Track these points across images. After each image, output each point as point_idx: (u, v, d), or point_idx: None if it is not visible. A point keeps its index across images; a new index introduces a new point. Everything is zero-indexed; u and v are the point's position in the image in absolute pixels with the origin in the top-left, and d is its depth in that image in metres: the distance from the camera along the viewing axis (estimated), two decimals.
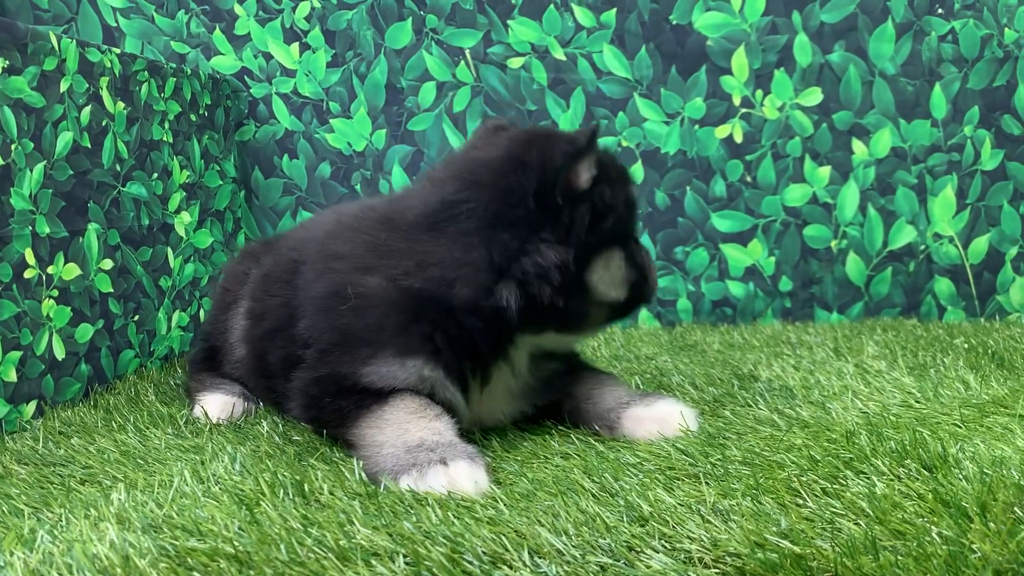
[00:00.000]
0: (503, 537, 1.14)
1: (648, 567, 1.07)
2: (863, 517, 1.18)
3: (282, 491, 1.35)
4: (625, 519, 1.21)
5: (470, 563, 1.10)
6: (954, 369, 2.09)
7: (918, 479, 1.30)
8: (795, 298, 2.98)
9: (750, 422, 1.70)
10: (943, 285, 2.95)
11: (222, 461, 1.54)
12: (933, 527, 1.11)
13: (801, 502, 1.25)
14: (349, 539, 1.16)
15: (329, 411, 1.57)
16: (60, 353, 2.02)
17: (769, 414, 1.76)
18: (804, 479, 1.33)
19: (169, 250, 2.46)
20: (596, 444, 1.59)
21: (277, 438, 1.70)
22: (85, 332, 2.11)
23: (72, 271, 2.07)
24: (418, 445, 1.41)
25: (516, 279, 1.52)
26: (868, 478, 1.31)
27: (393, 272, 1.54)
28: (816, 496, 1.27)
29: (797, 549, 1.09)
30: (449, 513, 1.23)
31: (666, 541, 1.14)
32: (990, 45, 2.87)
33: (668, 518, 1.19)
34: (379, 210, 1.68)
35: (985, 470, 1.29)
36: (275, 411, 1.91)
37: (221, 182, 2.77)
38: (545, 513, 1.23)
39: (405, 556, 1.11)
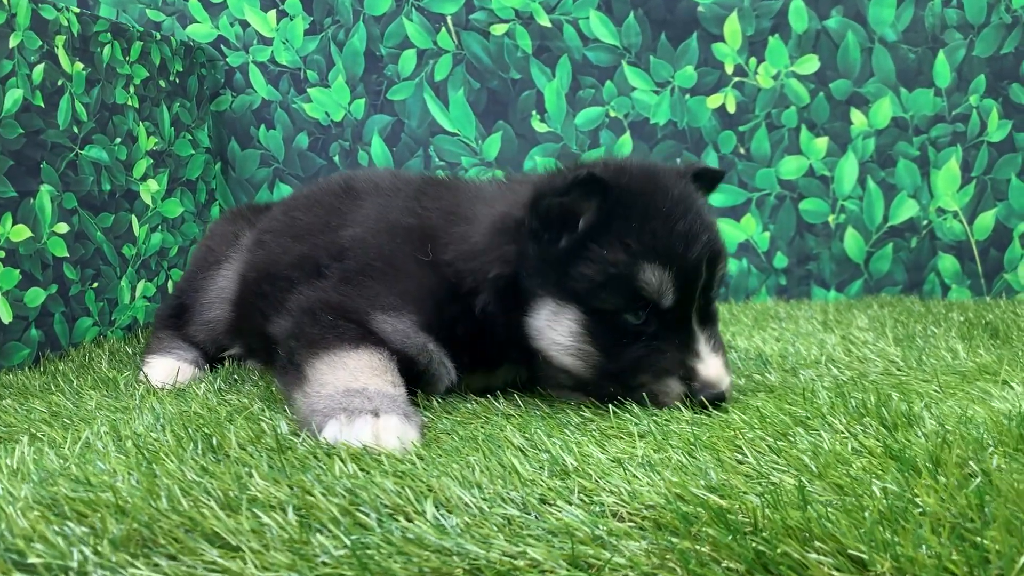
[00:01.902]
0: (408, 489, 1.05)
1: (557, 519, 0.97)
2: (805, 473, 1.07)
3: (192, 446, 1.27)
4: (546, 472, 1.11)
5: (365, 514, 1.00)
6: (944, 340, 1.96)
7: (874, 437, 1.18)
8: (790, 275, 2.86)
9: None
10: (947, 262, 2.81)
11: (145, 420, 1.46)
12: (877, 481, 1.00)
13: (741, 458, 1.15)
14: (242, 490, 1.07)
15: (313, 330, 1.50)
16: (7, 316, 1.95)
17: (739, 380, 1.65)
18: (750, 436, 1.22)
19: (134, 218, 2.39)
20: (543, 406, 1.49)
21: (212, 398, 1.62)
22: (36, 296, 2.04)
23: (21, 232, 2.00)
24: (359, 391, 1.34)
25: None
26: (818, 434, 1.20)
27: (447, 247, 1.55)
28: (759, 453, 1.16)
29: (723, 503, 0.98)
30: (357, 467, 1.14)
31: (584, 494, 1.04)
32: (997, 10, 2.73)
33: (591, 471, 1.09)
34: (454, 187, 1.72)
35: (947, 426, 1.18)
36: (216, 376, 1.83)
37: (193, 151, 2.70)
38: (461, 466, 1.13)
39: (297, 507, 1.02)
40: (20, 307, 1.99)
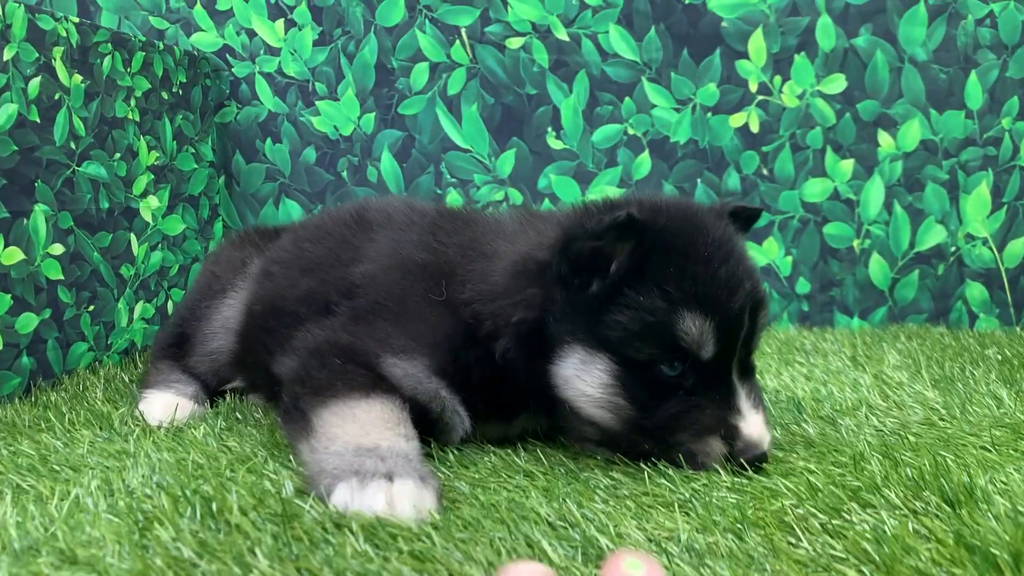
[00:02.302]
0: None
1: None
2: (867, 563, 0.97)
3: (189, 510, 1.16)
4: (579, 558, 1.01)
5: None
6: (985, 383, 1.86)
7: (937, 516, 1.08)
8: (813, 301, 2.76)
9: None
10: (975, 290, 2.71)
11: (140, 471, 1.36)
12: None
13: (794, 541, 1.04)
14: (245, 572, 0.97)
15: (321, 374, 1.40)
16: None
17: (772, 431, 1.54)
18: (800, 511, 1.12)
19: (133, 236, 2.29)
20: (568, 462, 1.39)
21: (212, 442, 1.52)
22: (28, 322, 1.94)
23: (13, 255, 1.90)
24: (371, 449, 1.23)
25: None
26: (877, 513, 1.10)
27: (464, 285, 1.46)
28: (813, 534, 1.06)
29: None
30: (371, 545, 1.04)
31: None
32: None
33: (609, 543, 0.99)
34: (472, 220, 1.62)
35: (1020, 508, 1.07)
36: (216, 415, 1.73)
37: (196, 165, 2.60)
38: (484, 546, 1.03)
39: None
40: (11, 334, 1.89)
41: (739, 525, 1.08)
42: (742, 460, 1.28)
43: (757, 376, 1.95)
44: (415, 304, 1.47)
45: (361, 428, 1.28)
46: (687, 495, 1.20)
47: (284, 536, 1.07)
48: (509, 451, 1.43)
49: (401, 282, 1.51)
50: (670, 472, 1.28)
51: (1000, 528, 1.01)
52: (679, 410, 1.31)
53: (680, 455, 1.32)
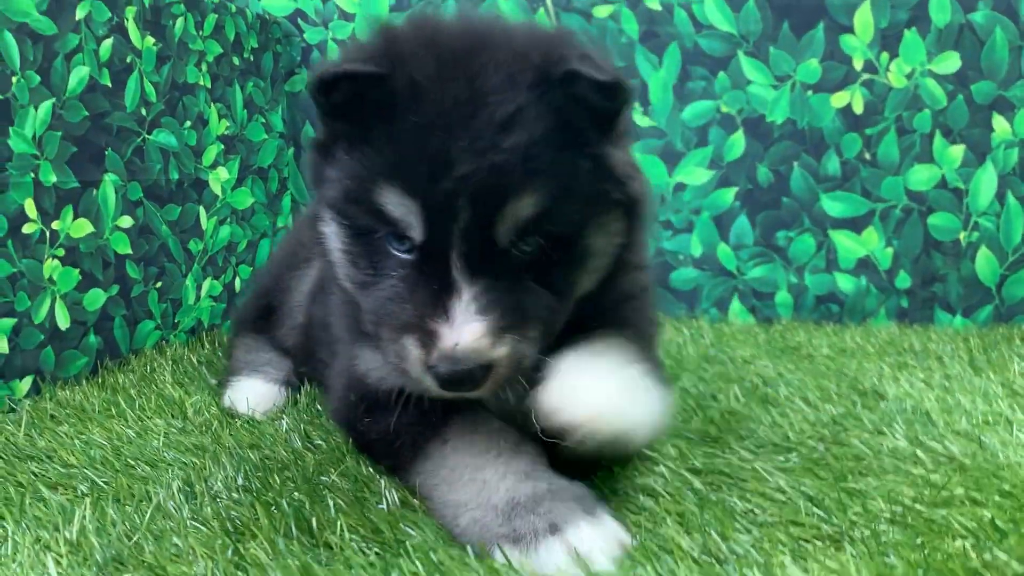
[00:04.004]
0: None
1: None
2: None
3: (283, 525, 1.05)
4: None
5: None
6: None
7: None
8: (913, 297, 2.57)
9: (887, 457, 1.33)
10: None
11: (223, 471, 1.25)
12: None
13: None
14: None
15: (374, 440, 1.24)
16: (64, 322, 1.75)
17: (909, 446, 1.38)
18: (987, 556, 0.96)
19: (202, 209, 2.18)
20: (690, 478, 1.25)
21: (296, 441, 1.40)
22: (96, 299, 1.84)
23: (82, 228, 1.80)
24: (510, 505, 1.04)
25: None
26: None
27: None
28: None
29: None
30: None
31: None
32: None
33: None
34: None
35: None
36: (295, 405, 1.62)
37: (266, 136, 2.47)
38: None
39: None
40: (78, 311, 1.79)
41: (920, 570, 0.93)
42: (438, 375, 1.03)
43: (872, 380, 1.81)
44: None
45: (474, 482, 1.09)
46: (845, 526, 1.05)
47: (391, 562, 0.94)
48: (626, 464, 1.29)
49: None
50: (818, 498, 1.13)
51: None
52: (386, 296, 1.11)
53: (388, 358, 1.11)
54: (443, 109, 1.04)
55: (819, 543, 1.02)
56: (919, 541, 1.01)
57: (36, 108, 1.67)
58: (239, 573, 0.93)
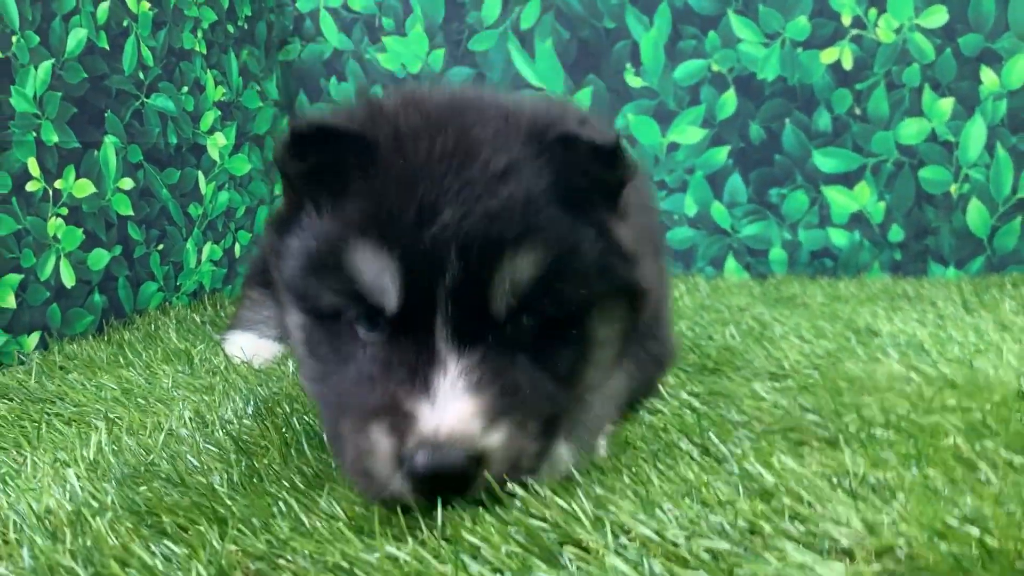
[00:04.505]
0: (581, 515, 0.84)
1: (782, 558, 0.76)
2: None
3: (294, 441, 1.07)
4: (741, 491, 0.90)
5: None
6: None
7: None
8: (906, 250, 2.60)
9: (882, 378, 1.36)
10: None
11: (232, 403, 1.28)
12: None
13: (982, 478, 0.92)
14: (366, 506, 0.87)
15: None
16: (69, 280, 1.78)
17: (903, 370, 1.41)
18: (978, 449, 1.00)
19: (200, 174, 2.20)
20: (688, 398, 1.27)
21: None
22: (100, 258, 1.86)
23: (85, 188, 1.82)
24: None
25: None
26: None
27: None
28: (999, 469, 0.94)
29: (991, 541, 0.76)
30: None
31: (800, 523, 0.83)
32: None
33: (801, 492, 0.88)
34: None
35: None
36: None
37: (261, 104, 2.50)
38: (633, 482, 0.92)
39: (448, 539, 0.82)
40: (83, 270, 1.81)
41: (914, 460, 0.96)
42: (413, 465, 0.82)
43: (866, 319, 1.83)
44: None
45: None
46: (842, 430, 1.08)
47: None
48: None
49: None
50: (815, 407, 1.16)
51: None
52: (350, 380, 0.91)
53: (347, 464, 0.88)
54: (430, 159, 0.91)
55: (816, 444, 1.05)
56: (912, 441, 1.04)
57: (36, 68, 1.69)
58: (254, 480, 0.96)
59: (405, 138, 0.94)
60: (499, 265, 0.88)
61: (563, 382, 0.95)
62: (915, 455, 0.97)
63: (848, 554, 0.78)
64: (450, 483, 0.81)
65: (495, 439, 0.84)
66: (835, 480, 0.92)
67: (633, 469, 0.96)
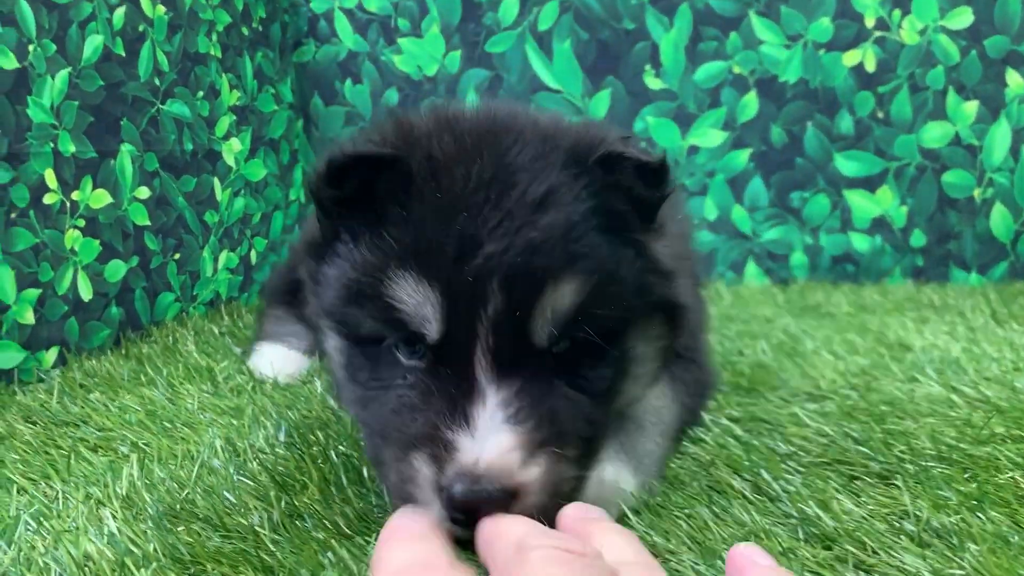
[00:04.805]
0: None
1: None
2: None
3: (333, 476, 1.05)
4: (801, 536, 0.87)
5: None
6: None
7: None
8: (928, 255, 2.57)
9: (922, 402, 1.34)
10: None
11: (263, 429, 1.25)
12: None
13: None
14: None
15: None
16: (87, 293, 1.74)
17: (943, 391, 1.39)
18: None
19: (216, 180, 2.17)
20: (730, 425, 1.25)
21: (332, 401, 1.40)
22: (117, 270, 1.83)
23: (101, 198, 1.78)
24: None
25: None
26: None
27: None
28: None
29: None
30: None
31: (866, 572, 0.80)
32: None
33: (863, 538, 0.85)
34: None
35: None
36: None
37: (276, 107, 2.46)
38: (691, 528, 0.90)
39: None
40: (100, 282, 1.78)
41: (976, 502, 0.93)
42: (452, 495, 0.82)
43: (897, 331, 1.80)
44: None
45: None
46: (891, 463, 1.05)
47: None
48: None
49: None
50: (861, 437, 1.14)
51: None
52: (392, 408, 0.92)
53: (391, 487, 0.91)
54: (467, 188, 0.91)
55: (868, 479, 1.03)
56: (968, 475, 1.01)
57: (53, 77, 1.66)
58: (296, 522, 0.93)
59: (440, 165, 0.94)
60: (540, 296, 0.89)
61: (601, 400, 0.96)
62: (976, 494, 0.94)
63: None
64: (488, 512, 0.81)
65: (533, 472, 0.85)
66: (896, 524, 0.89)
67: (687, 511, 0.93)
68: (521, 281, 0.88)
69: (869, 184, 2.55)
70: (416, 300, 0.89)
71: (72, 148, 1.70)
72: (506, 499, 0.82)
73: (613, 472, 0.97)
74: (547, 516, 0.81)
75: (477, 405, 0.86)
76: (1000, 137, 2.50)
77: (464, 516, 0.81)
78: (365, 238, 0.95)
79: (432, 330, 0.89)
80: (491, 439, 0.84)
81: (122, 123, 1.84)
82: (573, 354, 0.93)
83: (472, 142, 0.96)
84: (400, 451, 0.88)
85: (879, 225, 2.56)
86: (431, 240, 0.89)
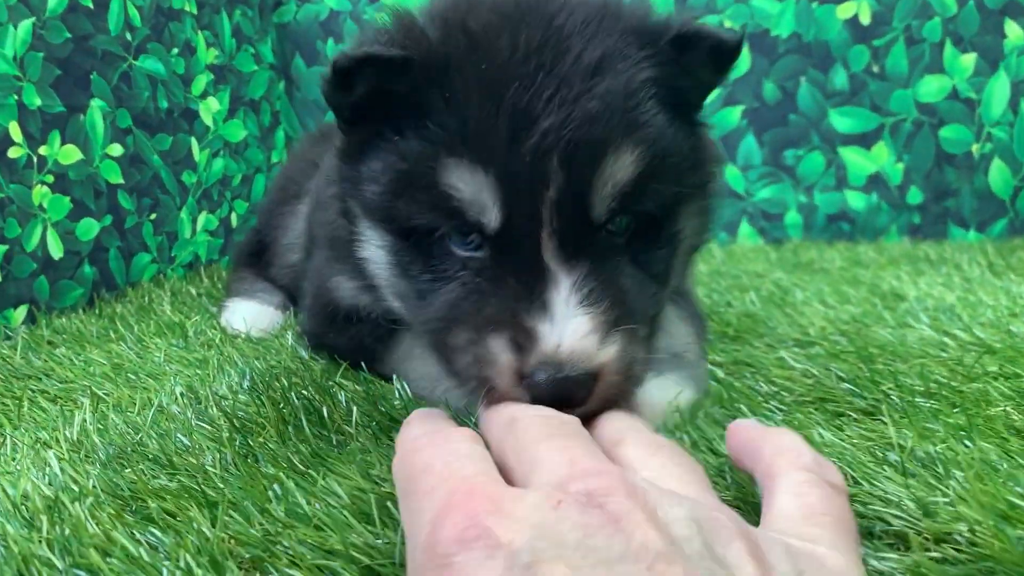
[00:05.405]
0: None
1: None
2: None
3: (293, 418, 1.00)
4: None
5: None
6: None
7: None
8: (925, 212, 2.51)
9: (914, 344, 1.29)
10: None
11: (227, 378, 1.20)
12: None
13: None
14: (373, 485, 0.80)
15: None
16: (57, 251, 1.70)
17: (936, 335, 1.34)
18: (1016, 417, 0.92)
19: (194, 140, 2.11)
20: (712, 368, 1.20)
21: (303, 352, 1.36)
22: (89, 228, 1.78)
23: (71, 154, 1.73)
24: None
25: None
26: None
27: None
28: None
29: None
30: None
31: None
32: None
33: (845, 469, 0.80)
34: None
35: None
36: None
37: (256, 67, 2.40)
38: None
39: None
40: (71, 240, 1.74)
41: (963, 432, 0.88)
42: (536, 380, 0.81)
43: (891, 282, 1.76)
44: None
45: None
46: (879, 399, 1.00)
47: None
48: None
49: None
50: (849, 376, 1.09)
51: None
52: (457, 295, 0.89)
53: (460, 368, 0.88)
54: (515, 57, 0.85)
55: (853, 415, 0.98)
56: (957, 410, 0.97)
57: (15, 27, 1.60)
58: (248, 461, 0.89)
59: (479, 39, 0.87)
60: (601, 168, 0.85)
61: (659, 280, 0.96)
62: (965, 426, 0.90)
63: (902, 539, 0.71)
64: (569, 400, 0.81)
65: (609, 353, 0.83)
66: (880, 454, 0.85)
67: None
68: (583, 155, 0.83)
69: (864, 141, 2.49)
70: (472, 189, 0.85)
71: (38, 101, 1.65)
72: (589, 382, 0.82)
73: (672, 382, 0.97)
74: (623, 398, 0.83)
75: (551, 290, 0.84)
76: (999, 90, 2.44)
77: (546, 403, 0.79)
78: (411, 129, 0.88)
79: (492, 218, 0.86)
80: (570, 324, 0.83)
81: (92, 77, 1.79)
82: (632, 233, 0.92)
83: (512, 10, 0.90)
84: (474, 333, 0.85)
85: (875, 183, 2.50)
86: (480, 120, 0.84)
